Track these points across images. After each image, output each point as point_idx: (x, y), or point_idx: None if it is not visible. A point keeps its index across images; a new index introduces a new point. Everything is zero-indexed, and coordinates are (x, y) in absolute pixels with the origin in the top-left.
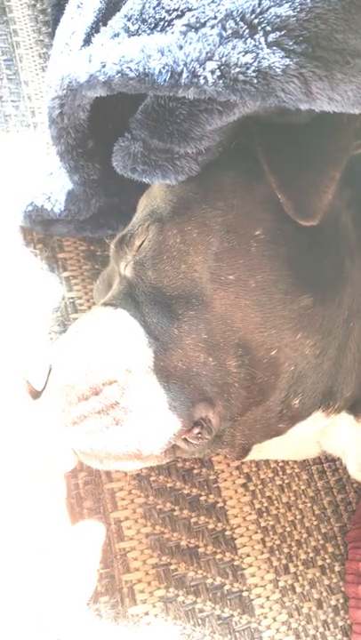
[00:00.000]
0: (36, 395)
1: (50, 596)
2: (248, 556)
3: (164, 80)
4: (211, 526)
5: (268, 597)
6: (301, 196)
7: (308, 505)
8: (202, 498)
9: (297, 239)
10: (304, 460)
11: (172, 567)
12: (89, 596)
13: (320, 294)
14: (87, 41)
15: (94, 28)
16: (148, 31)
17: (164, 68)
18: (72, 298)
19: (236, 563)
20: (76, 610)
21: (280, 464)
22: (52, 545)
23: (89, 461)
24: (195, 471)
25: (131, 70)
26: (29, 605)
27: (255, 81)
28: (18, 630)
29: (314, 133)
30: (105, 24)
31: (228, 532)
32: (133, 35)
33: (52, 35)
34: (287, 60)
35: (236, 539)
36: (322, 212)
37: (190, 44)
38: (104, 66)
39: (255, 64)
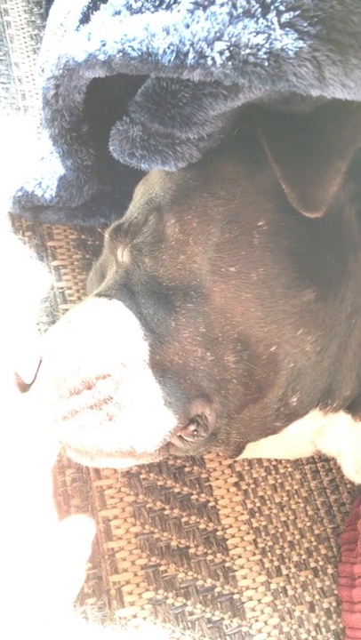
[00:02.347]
0: (25, 387)
1: (36, 595)
2: (240, 557)
3: (169, 60)
4: (202, 526)
5: (259, 600)
6: (306, 186)
7: (302, 505)
8: (193, 497)
9: (300, 232)
10: (297, 460)
11: (162, 568)
12: (76, 594)
13: (323, 289)
14: (84, 20)
15: (92, 7)
16: (153, 9)
17: (168, 47)
18: (61, 288)
19: (227, 564)
20: (62, 610)
21: (273, 463)
22: (40, 542)
23: (79, 458)
24: (186, 469)
25: (133, 49)
26: (15, 604)
27: (266, 63)
28: (3, 630)
29: (319, 123)
30: (105, 1)
31: (219, 533)
32: (136, 12)
33: (44, 15)
34: (300, 42)
35: (227, 539)
36: (327, 205)
37: (198, 22)
38: (104, 44)
39: (267, 45)
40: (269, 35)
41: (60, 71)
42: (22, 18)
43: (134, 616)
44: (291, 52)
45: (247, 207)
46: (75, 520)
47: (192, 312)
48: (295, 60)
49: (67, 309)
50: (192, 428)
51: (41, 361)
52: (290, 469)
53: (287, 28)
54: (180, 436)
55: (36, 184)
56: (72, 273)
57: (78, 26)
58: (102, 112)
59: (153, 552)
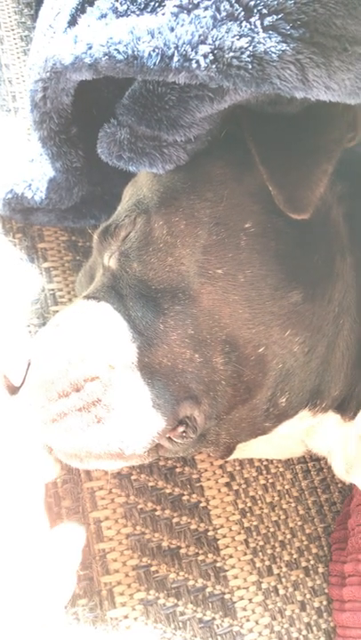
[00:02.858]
0: (13, 390)
1: (28, 602)
2: (231, 557)
3: (154, 63)
4: (193, 527)
5: (250, 600)
6: (293, 188)
7: (293, 505)
8: (184, 497)
9: (287, 233)
10: (288, 459)
11: (153, 569)
12: (67, 601)
13: (310, 290)
14: (72, 22)
15: (80, 9)
16: (138, 12)
17: (153, 50)
18: (52, 290)
19: (218, 564)
20: (54, 614)
21: (264, 463)
22: (31, 548)
23: (69, 460)
24: (177, 470)
25: (119, 52)
26: (6, 609)
27: (250, 66)
28: None
29: (306, 124)
30: (91, 4)
31: (210, 533)
32: (122, 15)
33: (34, 17)
34: (284, 45)
35: (218, 539)
36: (314, 206)
37: (182, 26)
38: (90, 48)
39: (250, 48)
40: (253, 38)
41: (48, 74)
42: (12, 19)
43: (126, 617)
44: (274, 55)
45: (234, 209)
46: (65, 527)
47: (180, 314)
48: (278, 62)
49: (57, 311)
50: (181, 429)
51: (30, 364)
52: (281, 469)
53: (270, 32)
54: (170, 438)
55: (26, 186)
56: (63, 275)
57: (66, 28)
58: (91, 114)
59: (144, 553)
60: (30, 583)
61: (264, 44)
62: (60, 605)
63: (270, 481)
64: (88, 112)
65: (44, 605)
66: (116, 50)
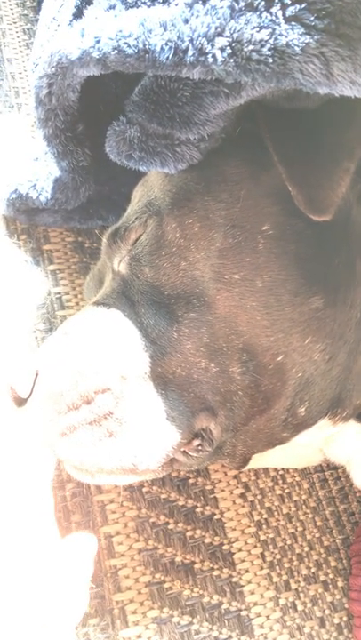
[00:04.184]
0: (20, 402)
1: (39, 617)
2: (247, 571)
3: (167, 58)
4: (207, 540)
5: (268, 616)
6: (314, 188)
7: (310, 516)
8: (198, 510)
9: (307, 236)
10: (305, 468)
11: (167, 585)
12: (80, 619)
13: (331, 295)
14: (78, 14)
15: (86, 0)
16: (149, 3)
17: (166, 44)
18: (59, 293)
19: (234, 579)
20: (66, 634)
21: (280, 472)
22: (42, 560)
23: (79, 475)
24: (190, 481)
25: (129, 46)
26: (18, 626)
27: (270, 60)
28: None
29: (325, 120)
30: None
31: (225, 547)
32: (132, 7)
33: (37, 8)
34: (307, 37)
35: (234, 553)
36: (335, 207)
37: (197, 17)
38: (98, 41)
39: (271, 41)
40: (274, 30)
41: (53, 69)
42: (14, 11)
43: (139, 636)
44: (297, 48)
45: (251, 211)
46: (76, 537)
47: (195, 322)
48: (301, 56)
49: (64, 315)
50: (196, 442)
51: (37, 374)
52: (297, 479)
53: (293, 23)
54: (185, 452)
55: (31, 186)
56: (69, 277)
57: (72, 20)
58: (98, 111)
59: (157, 568)
60: (41, 601)
61: (286, 37)
62: (72, 624)
63: (287, 491)
64: (95, 109)
65: (55, 625)
66: (125, 43)
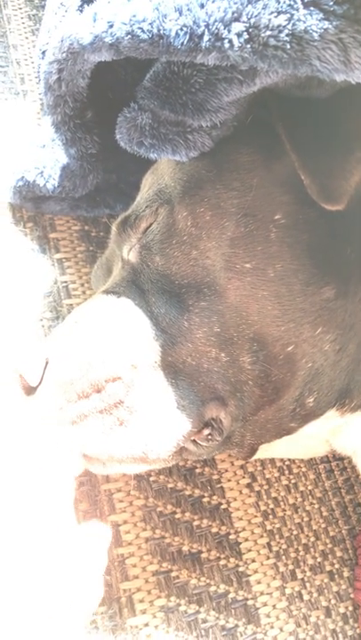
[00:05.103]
0: (30, 391)
1: (54, 607)
2: (253, 561)
3: (182, 43)
4: (214, 530)
5: (274, 606)
6: (327, 177)
7: (316, 506)
8: (205, 499)
9: (320, 225)
10: (311, 459)
11: (174, 574)
12: (95, 606)
13: (343, 286)
14: (88, 0)
15: None
16: None
17: (181, 29)
18: (65, 282)
19: (240, 569)
20: (80, 623)
21: (286, 463)
22: (58, 550)
23: (90, 465)
24: (197, 470)
25: (143, 31)
26: (32, 614)
27: (288, 46)
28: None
29: (338, 108)
30: None
31: (232, 536)
32: None
33: None
34: (326, 22)
35: (240, 543)
36: (348, 196)
37: (213, 2)
38: (111, 26)
39: (289, 27)
40: (292, 15)
41: (64, 55)
42: None
43: (146, 624)
44: (315, 34)
45: (263, 199)
46: (90, 527)
47: (206, 311)
48: (320, 42)
49: (71, 304)
50: (206, 431)
51: (47, 363)
52: (304, 469)
53: (311, 8)
54: (194, 441)
55: (38, 173)
56: (76, 266)
57: (81, 5)
58: (107, 97)
59: (164, 557)
60: (56, 588)
61: (304, 22)
62: (86, 617)
63: (293, 481)
64: (103, 95)
65: (69, 619)
66: (139, 28)
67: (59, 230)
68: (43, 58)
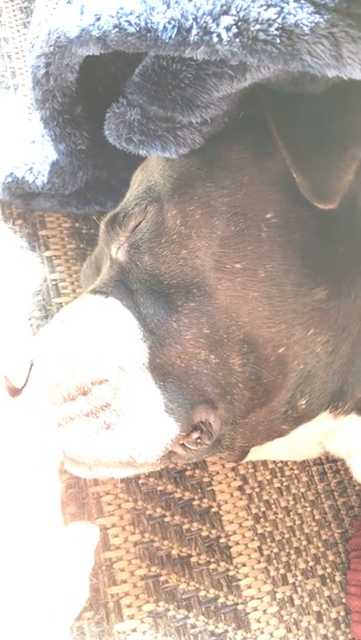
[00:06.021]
0: (15, 392)
1: (38, 610)
2: (244, 565)
3: (170, 37)
4: (204, 533)
5: (264, 611)
6: (319, 175)
7: (308, 509)
8: (195, 502)
9: (312, 224)
10: (304, 461)
11: (163, 579)
12: (77, 614)
13: (335, 287)
14: None
15: None
16: None
17: (169, 22)
18: (55, 280)
19: (231, 573)
20: (64, 626)
21: (279, 465)
22: (44, 551)
23: (76, 469)
24: (187, 473)
25: (130, 25)
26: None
27: (278, 40)
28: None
29: (331, 105)
30: None
31: (222, 540)
32: None
33: None
34: (317, 16)
35: (231, 547)
36: (341, 195)
37: None
38: (98, 19)
39: (279, 20)
40: (282, 8)
41: (51, 48)
42: None
43: (134, 630)
44: (306, 28)
45: (254, 198)
46: (77, 528)
47: (195, 312)
48: (310, 36)
49: (60, 303)
50: (195, 435)
51: (32, 363)
52: (296, 471)
53: (302, 1)
54: (183, 445)
55: (27, 169)
56: (66, 264)
57: None
58: (96, 92)
59: (153, 562)
60: (42, 589)
61: (295, 16)
62: (69, 620)
63: (285, 484)
64: (93, 90)
65: (52, 621)
66: (127, 21)
67: (49, 227)
68: (32, 51)
